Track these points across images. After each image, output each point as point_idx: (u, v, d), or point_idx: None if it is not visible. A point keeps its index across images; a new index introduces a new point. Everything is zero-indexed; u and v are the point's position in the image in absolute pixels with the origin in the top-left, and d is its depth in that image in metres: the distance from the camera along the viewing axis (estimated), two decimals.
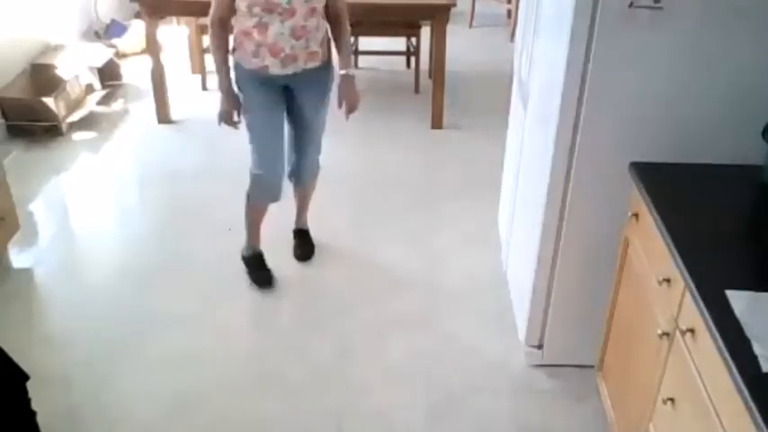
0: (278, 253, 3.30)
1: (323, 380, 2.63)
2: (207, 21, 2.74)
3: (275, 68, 2.74)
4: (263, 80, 2.78)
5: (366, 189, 3.84)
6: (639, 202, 1.98)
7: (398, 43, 5.27)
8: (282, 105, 2.90)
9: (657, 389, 1.82)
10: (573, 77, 2.10)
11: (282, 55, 2.70)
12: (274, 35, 2.66)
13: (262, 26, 2.65)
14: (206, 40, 5.00)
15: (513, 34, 5.55)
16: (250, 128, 2.87)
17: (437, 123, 4.50)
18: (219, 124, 2.86)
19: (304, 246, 3.34)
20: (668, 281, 1.76)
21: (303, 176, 3.16)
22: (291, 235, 3.36)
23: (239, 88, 2.82)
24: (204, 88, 4.96)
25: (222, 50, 2.77)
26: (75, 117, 4.43)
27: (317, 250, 3.34)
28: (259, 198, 3.02)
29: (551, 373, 2.64)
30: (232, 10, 2.68)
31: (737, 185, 2.00)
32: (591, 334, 2.46)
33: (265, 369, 2.68)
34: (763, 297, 1.53)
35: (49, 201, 3.80)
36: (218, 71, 2.77)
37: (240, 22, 2.68)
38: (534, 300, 2.53)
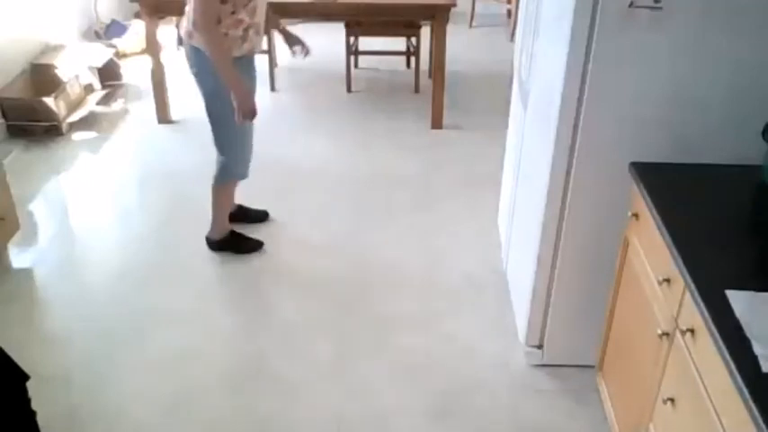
0: (277, 252, 3.31)
1: (323, 380, 2.63)
2: (201, 26, 2.67)
3: (258, 46, 2.87)
4: (247, 64, 2.88)
5: (366, 189, 3.83)
6: (639, 201, 1.98)
7: (398, 43, 5.27)
8: None
9: (657, 389, 1.82)
10: (573, 77, 2.10)
11: (262, 31, 2.85)
12: (260, 14, 2.79)
13: (253, 9, 2.74)
14: None
15: (513, 34, 5.55)
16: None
17: (437, 123, 4.50)
18: (246, 122, 2.85)
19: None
20: (668, 281, 1.76)
21: None
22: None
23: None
24: None
25: (225, 46, 2.75)
26: (75, 117, 4.43)
27: (317, 249, 3.35)
28: (239, 177, 3.15)
29: (551, 373, 2.63)
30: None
31: (737, 185, 2.00)
32: (591, 334, 2.46)
33: (265, 369, 2.68)
34: (763, 297, 1.53)
35: (49, 201, 3.80)
36: (228, 68, 2.73)
37: (227, 15, 2.70)
38: (534, 300, 2.53)
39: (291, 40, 3.17)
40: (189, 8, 2.78)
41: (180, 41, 2.84)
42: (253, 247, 3.31)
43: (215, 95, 2.85)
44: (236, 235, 3.31)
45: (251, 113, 2.84)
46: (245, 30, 2.77)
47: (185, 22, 2.83)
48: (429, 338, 2.82)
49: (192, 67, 2.87)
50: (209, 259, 3.27)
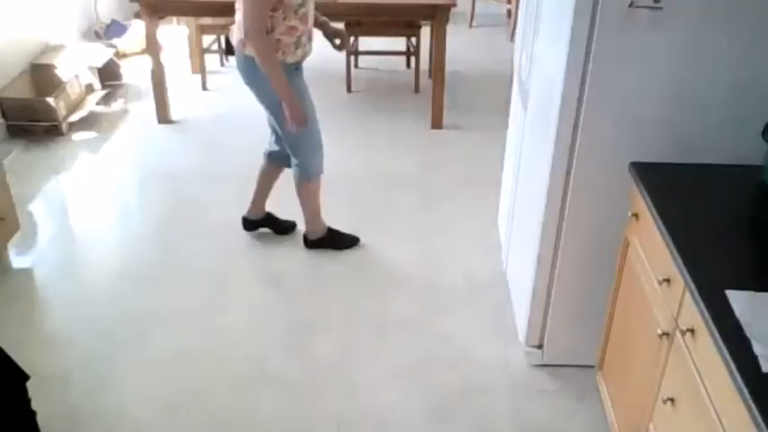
0: (277, 252, 3.31)
1: (323, 380, 2.63)
2: (251, 33, 2.66)
3: (310, 51, 2.89)
4: (299, 68, 2.90)
5: (366, 189, 3.84)
6: (639, 202, 1.98)
7: (398, 43, 5.27)
8: None
9: (657, 389, 1.82)
10: (573, 77, 2.10)
11: (312, 36, 2.88)
12: (311, 20, 2.82)
13: (304, 16, 2.77)
14: (206, 41, 5.03)
15: (513, 34, 5.55)
16: (308, 113, 2.94)
17: (437, 123, 4.50)
18: (300, 128, 2.87)
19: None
20: (668, 281, 1.76)
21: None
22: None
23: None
24: (204, 88, 4.95)
25: (276, 53, 2.75)
26: (75, 117, 4.43)
27: (316, 249, 3.35)
28: (316, 173, 3.14)
29: (551, 373, 2.64)
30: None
31: (737, 185, 2.00)
32: (591, 334, 2.46)
33: (265, 369, 2.68)
34: (763, 297, 1.53)
35: (49, 201, 3.80)
36: (280, 76, 2.74)
37: (279, 22, 2.71)
38: (534, 300, 2.53)
39: (336, 34, 3.09)
40: (239, 16, 2.75)
41: (227, 50, 2.80)
42: (350, 242, 3.35)
43: (280, 104, 2.83)
44: (332, 232, 3.35)
45: (302, 122, 2.86)
46: (299, 37, 2.78)
47: (236, 30, 2.81)
48: (429, 338, 2.82)
49: (245, 77, 2.87)
50: (209, 259, 3.28)
